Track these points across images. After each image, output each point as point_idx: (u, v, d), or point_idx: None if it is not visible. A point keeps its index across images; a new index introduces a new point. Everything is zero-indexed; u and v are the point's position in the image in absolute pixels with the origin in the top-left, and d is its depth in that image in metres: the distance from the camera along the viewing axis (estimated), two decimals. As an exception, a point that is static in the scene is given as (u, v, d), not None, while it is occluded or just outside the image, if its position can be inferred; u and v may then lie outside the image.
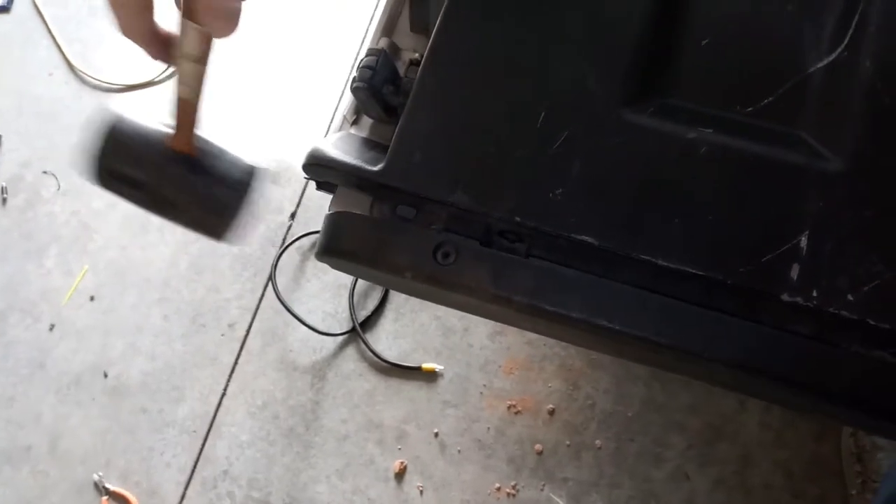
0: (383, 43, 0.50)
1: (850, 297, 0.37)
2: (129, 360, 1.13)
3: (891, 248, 0.37)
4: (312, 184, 0.47)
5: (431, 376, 1.06)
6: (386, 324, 1.09)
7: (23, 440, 1.10)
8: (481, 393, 1.05)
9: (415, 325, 1.08)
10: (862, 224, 0.38)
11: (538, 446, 1.02)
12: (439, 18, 0.44)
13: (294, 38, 1.28)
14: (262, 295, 1.13)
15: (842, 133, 0.40)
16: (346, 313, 1.09)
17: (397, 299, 1.10)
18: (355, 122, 0.49)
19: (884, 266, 0.37)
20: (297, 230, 1.16)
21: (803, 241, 0.38)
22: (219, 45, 0.35)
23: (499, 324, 1.06)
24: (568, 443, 1.02)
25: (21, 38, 1.39)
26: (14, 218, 1.24)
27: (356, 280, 1.09)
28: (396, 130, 0.42)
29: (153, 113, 0.41)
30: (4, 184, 1.26)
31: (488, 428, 1.04)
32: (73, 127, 1.29)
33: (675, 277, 0.39)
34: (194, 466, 1.06)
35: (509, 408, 1.04)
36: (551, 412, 1.03)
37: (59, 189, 1.25)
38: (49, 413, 1.12)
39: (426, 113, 0.42)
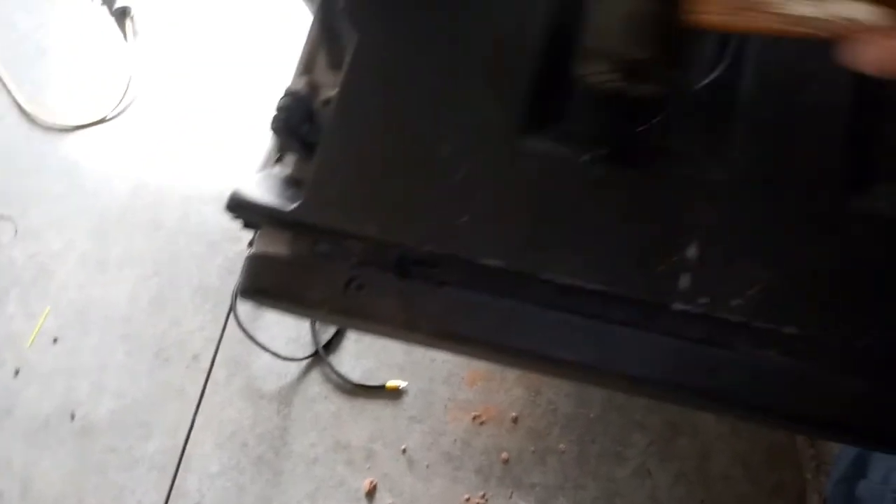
0: (302, 81, 0.52)
1: (736, 301, 0.40)
2: (96, 400, 1.13)
3: (773, 253, 0.40)
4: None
5: (396, 393, 1.08)
6: (348, 345, 1.11)
7: (-8, 487, 1.09)
8: (446, 406, 1.07)
9: (377, 344, 1.10)
10: (746, 232, 0.41)
11: (504, 454, 1.04)
12: (348, 58, 0.46)
13: (241, 66, 1.30)
14: (225, 324, 1.14)
15: (726, 145, 0.42)
16: (309, 337, 1.10)
17: (359, 320, 1.12)
18: (279, 160, 0.51)
19: (766, 271, 0.40)
20: (257, 258, 1.17)
21: (692, 251, 0.41)
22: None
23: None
24: (533, 449, 1.04)
25: (-30, 84, 1.39)
26: (-28, 265, 1.24)
27: (317, 304, 1.11)
28: (312, 168, 0.44)
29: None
30: (-40, 231, 1.26)
31: (455, 440, 1.06)
32: (28, 170, 1.29)
33: (575, 294, 0.41)
34: (166, 502, 1.06)
35: (474, 418, 1.06)
36: (515, 420, 1.06)
37: (16, 233, 1.25)
38: (19, 459, 1.12)
39: (338, 150, 0.44)
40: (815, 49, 0.43)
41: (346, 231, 0.43)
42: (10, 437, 1.13)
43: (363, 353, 1.10)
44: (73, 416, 1.13)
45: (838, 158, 0.41)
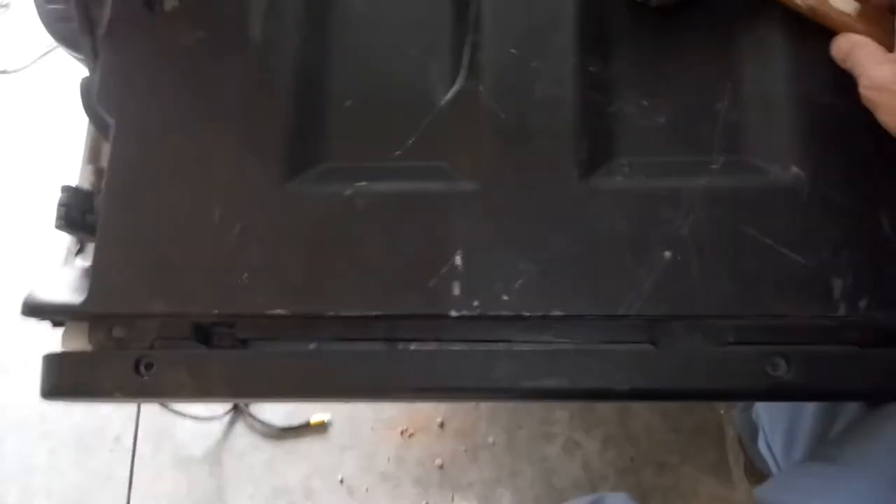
0: (89, 169, 0.53)
1: (504, 297, 0.42)
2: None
3: (529, 246, 0.43)
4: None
5: (322, 427, 1.08)
6: (266, 390, 1.11)
7: None
8: (372, 427, 1.09)
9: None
10: (502, 232, 0.43)
11: (438, 461, 1.06)
12: (111, 143, 0.47)
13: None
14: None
15: (472, 155, 0.45)
16: (225, 392, 1.10)
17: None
18: (80, 251, 0.52)
19: (527, 263, 0.42)
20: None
21: (458, 260, 0.43)
22: None
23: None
24: (464, 448, 1.07)
25: None
26: None
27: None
28: (93, 257, 0.45)
29: None
30: None
31: (388, 458, 1.07)
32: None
33: (363, 324, 0.43)
34: (117, 588, 1.05)
35: (402, 433, 1.08)
36: (441, 425, 1.08)
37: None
38: (-41, 581, 1.09)
39: (114, 235, 0.45)
40: (536, 47, 0.46)
41: (135, 313, 0.44)
42: (-51, 561, 1.10)
43: (281, 396, 1.10)
44: (7, 527, 1.10)
45: (572, 145, 0.44)
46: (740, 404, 0.93)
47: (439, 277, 0.43)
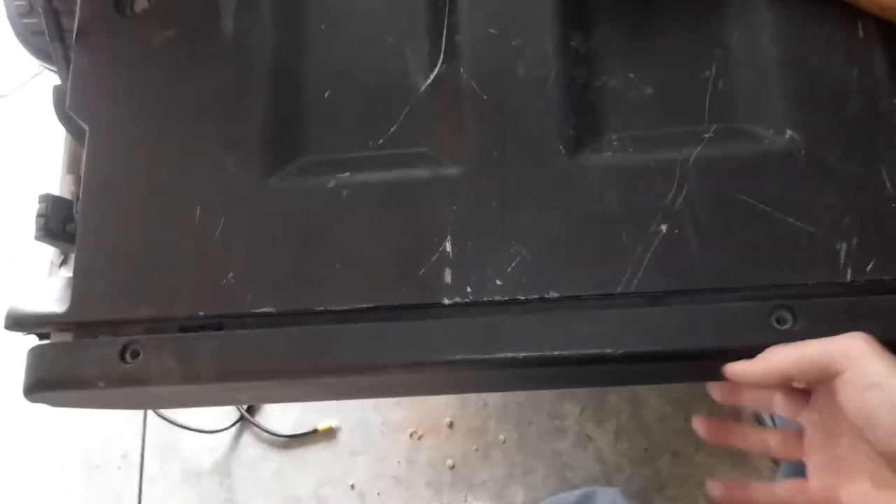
0: (69, 179, 0.52)
1: (498, 282, 0.41)
2: (38, 526, 1.10)
3: (521, 230, 0.41)
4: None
5: (330, 434, 1.07)
6: (272, 400, 1.10)
7: None
8: (381, 431, 1.07)
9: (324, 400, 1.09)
10: (491, 216, 0.42)
11: (449, 461, 1.05)
12: (86, 149, 0.46)
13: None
14: (145, 415, 1.12)
15: (456, 139, 0.43)
16: (229, 406, 1.09)
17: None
18: (64, 263, 0.51)
19: (520, 246, 0.41)
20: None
21: (448, 246, 0.41)
22: None
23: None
24: (475, 447, 1.05)
25: None
26: None
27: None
28: (74, 266, 0.44)
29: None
30: None
31: (398, 462, 1.06)
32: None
33: (353, 315, 0.42)
34: None
35: (411, 435, 1.07)
36: (451, 425, 1.06)
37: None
38: None
39: (95, 243, 0.44)
40: (515, 24, 0.45)
41: (120, 320, 0.43)
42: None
43: (287, 405, 1.09)
44: (19, 549, 1.10)
45: (558, 123, 0.43)
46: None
47: (430, 265, 0.41)
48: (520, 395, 1.06)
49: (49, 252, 0.51)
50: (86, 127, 0.46)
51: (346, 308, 0.41)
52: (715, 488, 0.41)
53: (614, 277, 0.40)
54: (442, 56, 0.45)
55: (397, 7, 0.47)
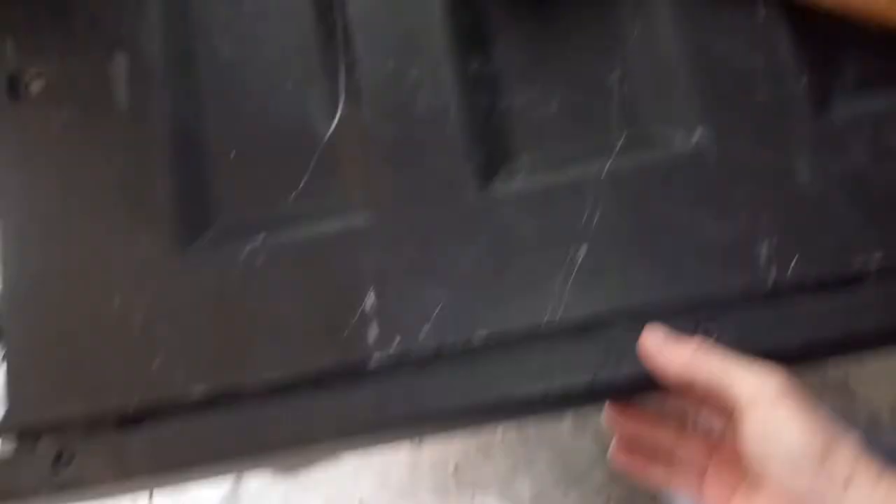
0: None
1: (426, 328, 0.40)
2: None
3: (439, 272, 0.40)
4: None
5: (331, 453, 1.08)
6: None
7: None
8: (381, 444, 1.08)
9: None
10: (411, 262, 0.40)
11: (452, 464, 1.05)
12: (1, 247, 0.46)
13: None
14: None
15: (365, 184, 0.42)
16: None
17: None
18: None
19: (441, 289, 0.40)
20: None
21: (370, 300, 0.40)
22: None
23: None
24: (476, 447, 1.05)
25: None
26: None
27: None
28: (6, 368, 0.44)
29: None
30: None
31: (402, 471, 1.06)
32: None
33: (284, 385, 0.41)
34: None
35: (412, 442, 1.07)
36: (448, 427, 1.06)
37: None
38: None
39: (21, 341, 0.43)
40: (411, 54, 0.43)
41: (54, 421, 0.42)
42: None
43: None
44: None
45: (465, 154, 0.41)
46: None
47: (353, 325, 0.40)
48: (512, 389, 1.06)
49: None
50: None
51: (276, 377, 0.41)
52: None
53: (539, 308, 0.39)
54: (343, 98, 0.44)
55: (292, 52, 0.45)
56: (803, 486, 0.31)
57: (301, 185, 0.44)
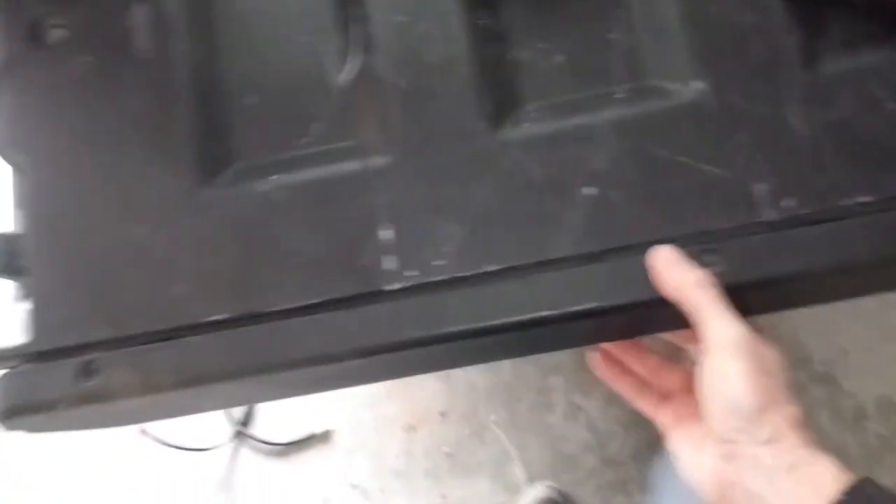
0: (20, 214, 0.53)
1: (437, 262, 0.42)
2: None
3: (452, 209, 0.42)
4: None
5: (326, 436, 1.09)
6: (261, 412, 1.10)
7: None
8: (375, 428, 1.09)
9: (288, 401, 1.10)
10: (423, 200, 0.43)
11: (445, 448, 1.06)
12: (27, 182, 0.47)
13: None
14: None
15: (379, 129, 0.45)
16: (223, 422, 1.10)
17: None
18: (28, 296, 0.52)
19: (455, 226, 0.42)
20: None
21: (385, 235, 0.43)
22: None
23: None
24: (468, 431, 1.07)
25: None
26: None
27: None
28: (29, 301, 0.45)
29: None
30: None
31: (396, 455, 1.07)
32: None
33: (301, 312, 0.43)
34: None
35: (405, 427, 1.08)
36: (442, 413, 1.08)
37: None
38: None
39: (47, 271, 0.45)
40: (422, 10, 0.46)
41: (80, 345, 0.44)
42: None
43: (279, 414, 1.10)
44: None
45: (475, 101, 0.44)
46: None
47: (370, 254, 0.43)
48: (506, 375, 1.07)
49: (9, 286, 0.52)
50: (24, 160, 0.47)
51: (294, 307, 0.43)
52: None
53: (547, 243, 0.41)
54: (355, 49, 0.46)
55: (307, 6, 0.48)
56: (732, 433, 0.36)
57: (315, 129, 0.46)
